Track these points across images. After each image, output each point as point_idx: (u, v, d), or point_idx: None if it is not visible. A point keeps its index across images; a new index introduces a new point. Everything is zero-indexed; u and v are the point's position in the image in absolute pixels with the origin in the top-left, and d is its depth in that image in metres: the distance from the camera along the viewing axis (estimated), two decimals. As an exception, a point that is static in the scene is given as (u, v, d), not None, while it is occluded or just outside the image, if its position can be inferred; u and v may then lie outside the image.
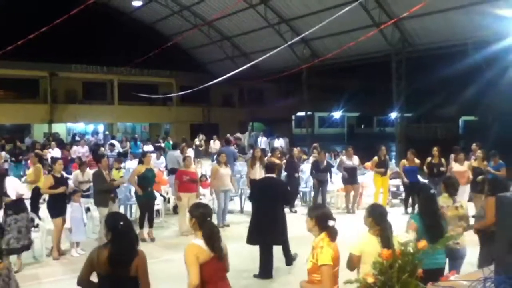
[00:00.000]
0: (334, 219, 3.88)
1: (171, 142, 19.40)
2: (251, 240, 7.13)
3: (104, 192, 8.79)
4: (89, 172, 10.67)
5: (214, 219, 5.94)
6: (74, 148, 17.62)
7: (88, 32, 27.88)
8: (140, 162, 9.77)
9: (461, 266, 5.35)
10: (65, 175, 9.27)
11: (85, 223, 8.61)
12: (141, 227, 9.27)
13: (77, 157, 15.48)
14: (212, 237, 3.82)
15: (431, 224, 4.85)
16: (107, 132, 27.93)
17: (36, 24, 15.50)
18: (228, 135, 22.09)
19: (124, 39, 28.35)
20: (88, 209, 9.26)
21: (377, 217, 4.19)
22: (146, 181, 9.30)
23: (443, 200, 5.61)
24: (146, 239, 9.15)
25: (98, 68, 29.76)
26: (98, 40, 28.28)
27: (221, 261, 3.86)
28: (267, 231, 7.00)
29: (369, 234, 4.22)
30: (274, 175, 7.56)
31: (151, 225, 9.41)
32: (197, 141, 18.89)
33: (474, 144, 11.55)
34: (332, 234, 3.83)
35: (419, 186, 7.24)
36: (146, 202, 9.34)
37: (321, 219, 3.86)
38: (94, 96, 31.19)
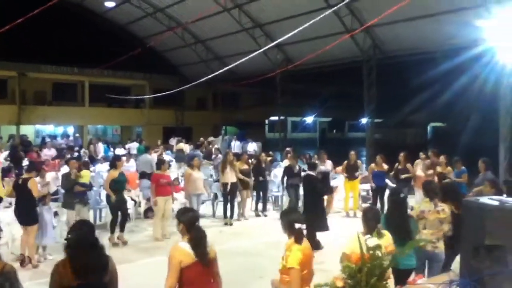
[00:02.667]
0: (302, 223, 4.01)
1: (143, 144, 19.12)
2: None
3: (71, 194, 8.62)
4: (50, 174, 10.45)
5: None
6: (44, 151, 17.34)
7: (59, 32, 27.34)
8: (113, 166, 9.55)
9: (440, 269, 5.43)
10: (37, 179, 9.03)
11: (55, 226, 8.41)
12: (113, 231, 9.16)
13: (46, 160, 15.15)
14: (199, 243, 3.87)
15: (396, 226, 4.99)
16: (77, 135, 27.38)
17: (5, 23, 15.12)
18: (202, 138, 22.07)
19: (96, 40, 27.88)
20: (56, 213, 9.05)
21: (363, 219, 4.59)
22: (119, 185, 9.20)
23: (424, 205, 5.73)
24: (118, 243, 9.07)
25: (68, 69, 29.04)
26: (69, 40, 27.75)
27: (206, 266, 3.87)
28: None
29: (360, 234, 4.40)
30: (311, 172, 9.24)
31: (122, 229, 9.30)
32: (182, 145, 18.65)
33: (430, 151, 11.98)
34: (298, 236, 3.98)
35: (390, 190, 7.41)
36: (119, 206, 9.22)
37: (289, 222, 4.04)
38: (64, 97, 30.50)
